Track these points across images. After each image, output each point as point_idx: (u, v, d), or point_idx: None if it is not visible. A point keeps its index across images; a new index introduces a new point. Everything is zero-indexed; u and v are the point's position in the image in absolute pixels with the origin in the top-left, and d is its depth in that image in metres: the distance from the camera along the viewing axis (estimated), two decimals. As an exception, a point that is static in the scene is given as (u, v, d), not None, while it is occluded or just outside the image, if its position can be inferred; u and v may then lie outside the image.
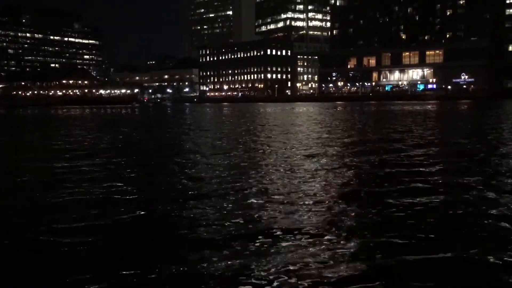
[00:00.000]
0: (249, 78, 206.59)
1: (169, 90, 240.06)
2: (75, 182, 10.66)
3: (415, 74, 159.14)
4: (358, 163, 12.90)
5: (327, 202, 8.30)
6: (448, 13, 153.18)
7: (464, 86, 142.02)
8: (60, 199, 8.94)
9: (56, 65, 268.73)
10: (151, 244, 6.21)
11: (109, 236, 6.55)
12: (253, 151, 15.75)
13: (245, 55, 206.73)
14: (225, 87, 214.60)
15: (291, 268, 5.22)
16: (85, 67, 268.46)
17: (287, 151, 15.72)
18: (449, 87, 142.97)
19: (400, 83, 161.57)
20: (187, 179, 10.66)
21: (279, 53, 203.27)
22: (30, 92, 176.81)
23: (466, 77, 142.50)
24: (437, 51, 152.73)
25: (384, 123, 31.25)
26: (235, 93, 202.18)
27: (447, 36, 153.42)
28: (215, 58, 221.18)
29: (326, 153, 14.93)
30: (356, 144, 17.88)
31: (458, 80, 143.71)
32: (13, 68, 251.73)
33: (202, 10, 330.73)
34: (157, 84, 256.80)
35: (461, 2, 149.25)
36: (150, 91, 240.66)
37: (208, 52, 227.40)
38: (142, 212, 7.82)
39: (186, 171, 11.90)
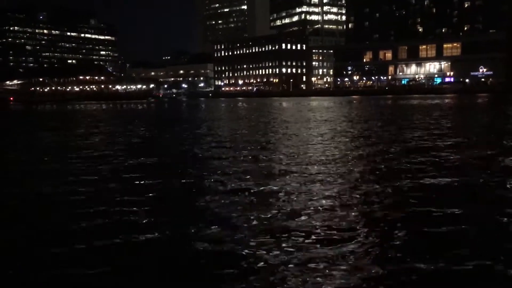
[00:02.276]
0: (264, 72, 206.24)
1: (184, 85, 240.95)
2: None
3: (432, 67, 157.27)
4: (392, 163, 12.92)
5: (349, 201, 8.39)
6: (466, 5, 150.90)
7: (482, 79, 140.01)
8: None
9: (73, 61, 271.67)
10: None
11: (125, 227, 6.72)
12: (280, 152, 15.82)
13: (260, 50, 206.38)
14: (240, 81, 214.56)
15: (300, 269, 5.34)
16: (101, 63, 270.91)
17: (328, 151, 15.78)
18: (467, 80, 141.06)
19: (416, 76, 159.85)
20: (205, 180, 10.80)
21: (294, 47, 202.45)
22: (48, 88, 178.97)
23: (484, 70, 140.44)
24: (455, 44, 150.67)
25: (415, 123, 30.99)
26: (250, 87, 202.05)
27: (465, 28, 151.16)
28: (230, 53, 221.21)
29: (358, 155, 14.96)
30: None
31: (476, 73, 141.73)
32: (31, 65, 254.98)
33: (217, 5, 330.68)
34: (172, 79, 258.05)
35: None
36: (166, 86, 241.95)
37: (223, 47, 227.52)
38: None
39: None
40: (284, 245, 6.02)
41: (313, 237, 6.31)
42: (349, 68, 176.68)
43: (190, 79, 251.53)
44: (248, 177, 10.65)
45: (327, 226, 6.77)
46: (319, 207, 7.84)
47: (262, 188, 9.42)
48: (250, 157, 13.81)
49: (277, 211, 7.69)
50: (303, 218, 7.16)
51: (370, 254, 5.64)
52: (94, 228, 7.00)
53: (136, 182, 10.44)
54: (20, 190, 10.09)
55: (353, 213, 7.44)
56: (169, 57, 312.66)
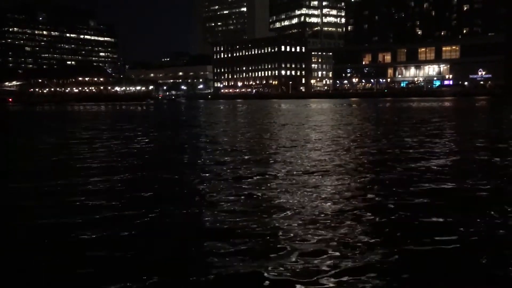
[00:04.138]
0: (263, 74, 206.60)
1: (183, 87, 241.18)
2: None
3: (431, 70, 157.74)
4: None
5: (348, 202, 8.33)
6: (465, 8, 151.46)
7: (481, 82, 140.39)
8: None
9: (72, 62, 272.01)
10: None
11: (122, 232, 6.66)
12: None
13: (259, 52, 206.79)
14: (239, 83, 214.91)
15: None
16: (100, 64, 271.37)
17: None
18: (465, 83, 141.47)
19: (415, 79, 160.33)
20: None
21: (293, 49, 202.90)
22: (47, 89, 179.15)
23: (483, 73, 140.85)
24: (454, 47, 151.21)
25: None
26: (249, 89, 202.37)
27: (464, 31, 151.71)
28: (229, 55, 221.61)
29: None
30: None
31: (474, 76, 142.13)
32: (30, 66, 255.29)
33: (216, 7, 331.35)
34: (171, 81, 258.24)
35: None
36: (165, 88, 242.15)
37: (222, 48, 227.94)
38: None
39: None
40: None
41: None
42: (348, 70, 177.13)
43: (189, 80, 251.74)
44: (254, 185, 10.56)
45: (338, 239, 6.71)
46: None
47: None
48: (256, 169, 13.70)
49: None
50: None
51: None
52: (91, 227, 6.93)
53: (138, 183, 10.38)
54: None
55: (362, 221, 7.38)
56: (168, 59, 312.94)
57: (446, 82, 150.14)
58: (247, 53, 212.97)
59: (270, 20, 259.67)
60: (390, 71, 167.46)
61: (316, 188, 9.20)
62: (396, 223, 6.90)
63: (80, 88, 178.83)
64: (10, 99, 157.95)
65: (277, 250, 5.74)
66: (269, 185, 9.57)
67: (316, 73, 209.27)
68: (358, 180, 9.97)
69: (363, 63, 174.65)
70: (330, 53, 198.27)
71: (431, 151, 14.43)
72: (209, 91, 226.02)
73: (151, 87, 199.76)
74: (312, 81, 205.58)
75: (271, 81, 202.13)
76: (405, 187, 9.22)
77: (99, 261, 5.57)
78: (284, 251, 5.71)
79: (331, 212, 7.42)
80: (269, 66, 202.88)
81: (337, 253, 5.63)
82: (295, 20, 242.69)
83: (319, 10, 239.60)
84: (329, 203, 8.01)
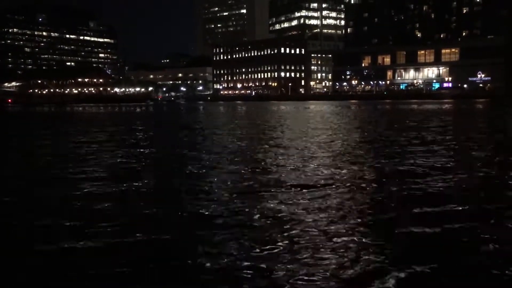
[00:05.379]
0: (262, 76, 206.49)
1: (183, 88, 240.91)
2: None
3: (431, 72, 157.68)
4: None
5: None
6: (464, 10, 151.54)
7: (481, 85, 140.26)
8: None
9: (72, 63, 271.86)
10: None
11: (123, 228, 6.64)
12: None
13: (259, 54, 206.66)
14: (239, 85, 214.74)
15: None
16: (100, 65, 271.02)
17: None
18: (465, 85, 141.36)
19: (415, 81, 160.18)
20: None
21: (292, 51, 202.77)
22: (46, 90, 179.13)
23: (483, 75, 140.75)
24: (453, 49, 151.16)
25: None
26: (249, 91, 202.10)
27: (463, 34, 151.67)
28: (229, 57, 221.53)
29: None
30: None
31: (474, 78, 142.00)
32: (30, 67, 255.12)
33: (216, 9, 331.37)
34: (171, 82, 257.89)
35: (478, 0, 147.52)
36: (164, 89, 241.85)
37: (222, 50, 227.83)
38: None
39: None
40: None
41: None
42: (348, 72, 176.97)
43: (189, 82, 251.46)
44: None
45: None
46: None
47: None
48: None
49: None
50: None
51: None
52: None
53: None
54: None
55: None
56: (168, 60, 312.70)
57: (445, 85, 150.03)
58: (246, 55, 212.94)
59: (270, 22, 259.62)
60: (389, 73, 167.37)
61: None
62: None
63: (79, 89, 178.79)
64: (10, 100, 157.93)
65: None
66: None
67: (315, 75, 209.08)
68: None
69: (363, 65, 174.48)
70: (330, 55, 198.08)
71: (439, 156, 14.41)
72: (209, 92, 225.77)
73: (150, 88, 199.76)
74: (312, 83, 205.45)
75: (270, 83, 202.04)
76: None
77: (97, 263, 5.56)
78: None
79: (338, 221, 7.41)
80: (269, 68, 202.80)
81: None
82: (294, 22, 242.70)
83: (318, 12, 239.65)
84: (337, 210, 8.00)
